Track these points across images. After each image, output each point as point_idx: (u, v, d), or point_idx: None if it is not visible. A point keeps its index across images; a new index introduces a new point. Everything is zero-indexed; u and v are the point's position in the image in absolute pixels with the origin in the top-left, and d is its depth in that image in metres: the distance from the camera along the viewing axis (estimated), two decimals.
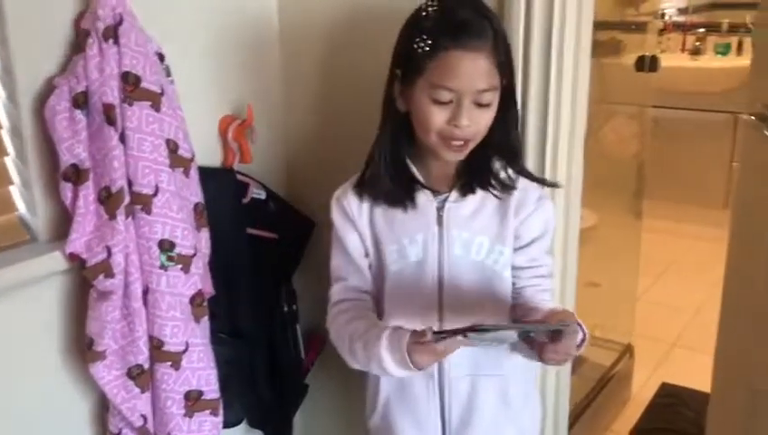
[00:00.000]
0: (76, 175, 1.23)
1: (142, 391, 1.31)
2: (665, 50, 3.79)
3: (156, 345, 1.30)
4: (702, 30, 3.88)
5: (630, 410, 2.54)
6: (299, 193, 1.73)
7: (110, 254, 1.23)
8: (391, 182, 1.21)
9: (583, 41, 1.39)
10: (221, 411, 1.41)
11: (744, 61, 3.38)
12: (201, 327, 1.36)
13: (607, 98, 2.50)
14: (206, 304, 1.37)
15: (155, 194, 1.25)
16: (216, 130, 1.55)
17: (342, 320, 1.25)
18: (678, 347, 2.97)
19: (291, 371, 1.67)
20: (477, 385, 1.25)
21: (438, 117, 1.12)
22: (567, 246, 1.48)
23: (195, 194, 1.36)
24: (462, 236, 1.20)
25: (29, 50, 1.21)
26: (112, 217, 1.23)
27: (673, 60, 3.67)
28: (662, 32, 3.77)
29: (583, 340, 1.14)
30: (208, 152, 1.52)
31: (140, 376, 1.30)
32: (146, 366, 1.30)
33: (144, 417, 1.33)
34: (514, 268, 1.23)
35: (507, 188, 1.20)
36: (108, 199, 1.23)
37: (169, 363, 1.31)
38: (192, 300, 1.33)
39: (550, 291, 1.27)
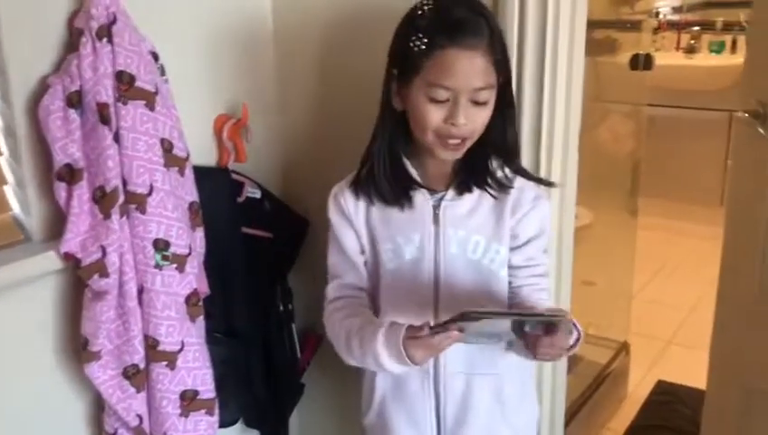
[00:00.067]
0: (70, 174, 1.22)
1: (138, 391, 1.30)
2: (659, 48, 3.80)
3: (151, 345, 1.30)
4: (696, 28, 3.89)
5: (627, 408, 2.55)
6: (294, 192, 1.73)
7: (104, 253, 1.23)
8: (388, 181, 1.21)
9: (577, 39, 1.39)
10: (217, 411, 1.41)
11: (739, 59, 3.38)
12: (196, 326, 1.36)
13: (602, 96, 2.51)
14: (201, 303, 1.37)
15: (149, 193, 1.25)
16: (211, 129, 1.55)
17: (338, 317, 1.25)
18: (674, 345, 2.98)
19: (286, 370, 1.67)
20: (472, 384, 1.25)
21: (435, 115, 1.12)
22: (562, 244, 1.49)
23: (189, 193, 1.36)
24: (458, 235, 1.20)
25: (22, 49, 1.21)
26: (107, 216, 1.22)
27: (668, 58, 3.68)
28: (657, 30, 3.78)
29: (578, 339, 1.14)
30: (203, 152, 1.52)
31: (136, 376, 1.29)
32: (141, 366, 1.30)
33: (140, 417, 1.32)
34: (511, 267, 1.23)
35: (504, 187, 1.20)
36: (102, 199, 1.22)
37: (165, 363, 1.31)
38: (187, 299, 1.33)
39: (546, 290, 1.28)
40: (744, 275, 1.55)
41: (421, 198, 1.21)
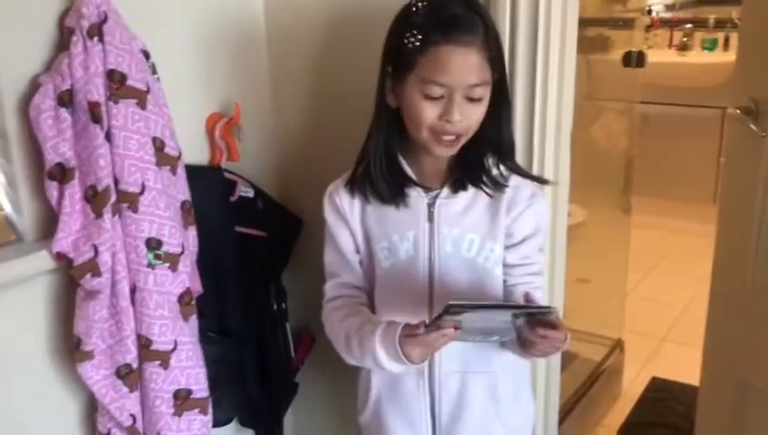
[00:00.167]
0: (62, 174, 1.22)
1: (131, 391, 1.30)
2: (652, 46, 3.82)
3: (144, 344, 1.29)
4: (689, 26, 3.91)
5: (621, 405, 2.55)
6: (287, 191, 1.73)
7: (96, 253, 1.22)
8: (384, 179, 1.21)
9: (569, 36, 1.39)
10: (210, 410, 1.41)
11: (731, 56, 3.38)
12: (189, 326, 1.36)
13: (595, 94, 2.51)
14: (194, 302, 1.37)
15: (141, 192, 1.25)
16: (204, 128, 1.55)
17: (337, 317, 1.25)
18: (668, 342, 2.99)
19: (280, 369, 1.66)
20: (467, 382, 1.25)
21: (430, 112, 1.12)
22: (555, 242, 1.49)
23: (182, 192, 1.36)
24: (453, 234, 1.20)
25: (13, 48, 1.20)
26: (99, 215, 1.22)
27: (660, 56, 3.69)
28: (649, 28, 3.79)
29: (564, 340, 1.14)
30: (196, 150, 1.52)
31: (129, 375, 1.29)
32: (134, 365, 1.29)
33: (133, 416, 1.32)
34: (506, 266, 1.23)
35: (499, 185, 1.20)
36: (94, 198, 1.22)
37: (158, 362, 1.31)
38: (180, 298, 1.32)
39: (541, 288, 1.28)
40: (736, 271, 1.55)
41: (416, 196, 1.21)
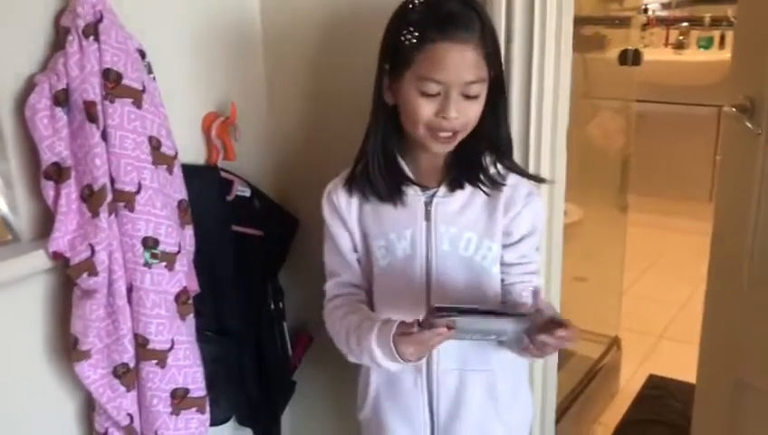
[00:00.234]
0: (58, 173, 1.22)
1: (128, 390, 1.30)
2: (648, 44, 3.82)
3: (141, 343, 1.29)
4: (685, 24, 3.91)
5: (618, 403, 2.56)
6: (284, 191, 1.73)
7: (93, 252, 1.22)
8: (381, 177, 1.21)
9: (564, 35, 1.39)
10: (208, 409, 1.41)
11: (727, 54, 3.40)
12: (187, 325, 1.35)
13: (591, 93, 2.51)
14: (191, 301, 1.37)
15: (138, 191, 1.24)
16: (200, 127, 1.54)
17: (337, 315, 1.26)
18: (665, 339, 3.00)
19: (278, 368, 1.66)
20: (465, 380, 1.25)
21: (426, 109, 1.12)
22: (552, 241, 1.49)
23: (178, 191, 1.36)
24: (450, 232, 1.20)
25: (8, 48, 1.20)
26: (95, 214, 1.22)
27: (657, 54, 3.70)
28: (645, 26, 3.80)
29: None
30: (192, 150, 1.52)
31: (126, 375, 1.29)
32: (131, 364, 1.29)
33: (130, 416, 1.32)
34: (504, 265, 1.23)
35: (496, 184, 1.20)
36: (90, 197, 1.22)
37: (155, 361, 1.31)
38: (177, 297, 1.32)
39: (538, 287, 1.27)
40: (732, 269, 1.55)
41: (413, 195, 1.21)
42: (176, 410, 1.35)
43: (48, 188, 1.23)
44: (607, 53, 2.55)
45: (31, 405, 1.33)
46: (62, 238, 1.23)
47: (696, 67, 3.78)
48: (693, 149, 3.73)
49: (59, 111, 1.20)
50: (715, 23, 3.80)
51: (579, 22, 1.45)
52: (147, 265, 1.27)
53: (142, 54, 1.29)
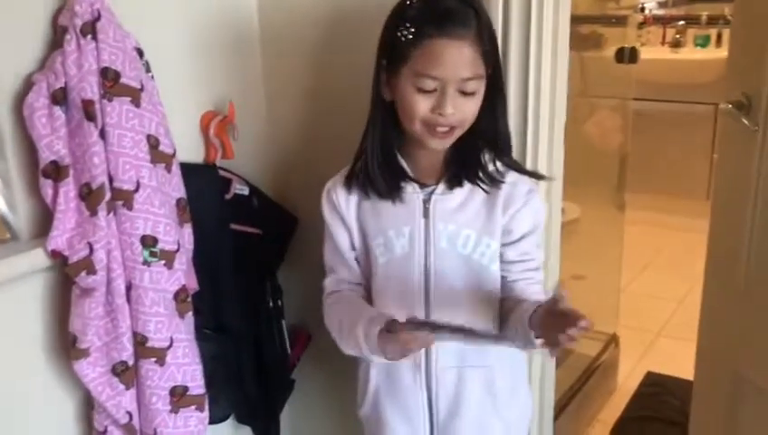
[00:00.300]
0: (56, 172, 1.22)
1: (127, 388, 1.30)
2: (645, 43, 3.83)
3: (140, 341, 1.29)
4: (681, 23, 3.92)
5: (616, 400, 2.56)
6: (283, 189, 1.73)
7: (91, 250, 1.22)
8: (380, 174, 1.21)
9: (561, 33, 1.39)
10: (207, 407, 1.41)
11: (724, 52, 3.38)
12: (185, 323, 1.36)
13: (588, 91, 2.52)
14: (190, 299, 1.37)
15: (136, 190, 1.25)
16: (198, 126, 1.55)
17: (335, 308, 1.27)
18: (663, 337, 3.00)
19: (277, 366, 1.67)
20: (464, 376, 1.25)
21: (423, 105, 1.13)
22: (549, 239, 1.49)
23: (177, 189, 1.36)
24: (448, 229, 1.21)
25: (6, 47, 1.20)
26: (93, 213, 1.22)
27: (653, 53, 3.71)
28: (642, 25, 3.80)
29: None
30: (190, 148, 1.52)
31: (125, 373, 1.29)
32: (130, 363, 1.30)
33: (129, 414, 1.32)
34: (505, 263, 1.24)
35: (495, 181, 1.20)
36: (89, 196, 1.22)
37: (154, 359, 1.31)
38: (176, 296, 1.33)
39: (540, 283, 1.28)
40: (730, 266, 1.55)
41: (411, 192, 1.21)
42: (175, 408, 1.35)
43: (46, 187, 1.23)
44: (604, 51, 2.56)
45: (30, 404, 1.33)
46: (60, 237, 1.23)
47: (693, 65, 3.79)
48: (690, 147, 3.73)
49: (57, 110, 1.20)
50: (712, 21, 3.81)
51: (575, 20, 1.45)
52: (145, 263, 1.27)
53: (140, 53, 1.29)
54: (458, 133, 1.16)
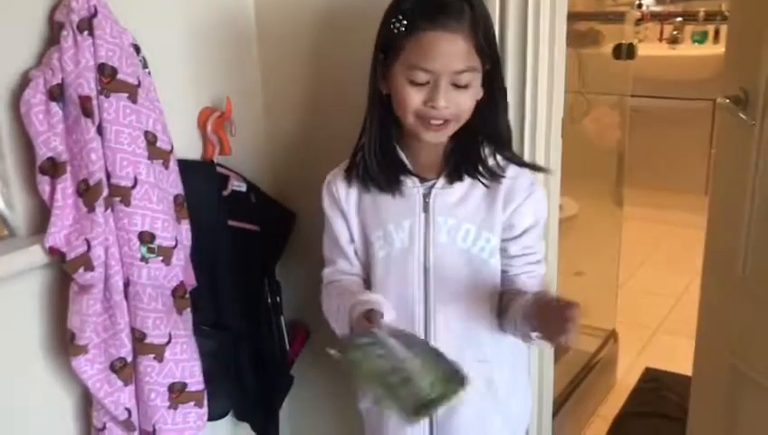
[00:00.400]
0: (53, 168, 1.22)
1: (125, 384, 1.30)
2: (643, 39, 3.82)
3: (138, 338, 1.29)
4: (679, 19, 3.92)
5: (615, 396, 2.56)
6: (280, 186, 1.73)
7: (89, 247, 1.22)
8: (379, 168, 1.21)
9: (558, 29, 1.39)
10: (205, 403, 1.41)
11: (721, 48, 3.38)
12: (184, 319, 1.36)
13: (586, 88, 2.51)
14: (188, 295, 1.37)
15: (134, 186, 1.25)
16: (196, 122, 1.54)
17: (332, 297, 1.27)
18: (662, 332, 3.00)
19: (275, 362, 1.67)
20: None
21: (415, 98, 1.13)
22: (547, 235, 1.49)
23: (174, 186, 1.36)
24: (448, 224, 1.21)
25: (2, 43, 1.20)
26: (91, 209, 1.22)
27: (651, 49, 3.71)
28: (640, 21, 3.80)
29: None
30: (188, 145, 1.51)
31: (123, 369, 1.29)
32: (129, 359, 1.30)
33: (128, 410, 1.32)
34: (508, 257, 1.24)
35: (495, 175, 1.20)
36: (86, 192, 1.22)
37: (152, 356, 1.31)
38: (174, 292, 1.33)
39: (542, 275, 1.28)
40: (728, 260, 1.56)
41: (411, 186, 1.21)
42: (174, 405, 1.35)
43: (44, 184, 1.23)
44: (601, 48, 2.56)
45: (28, 401, 1.33)
46: (58, 233, 1.23)
47: (690, 61, 3.79)
48: (688, 142, 3.74)
49: (54, 106, 1.20)
50: (709, 17, 3.82)
51: (573, 17, 1.45)
52: (143, 259, 1.27)
53: (137, 49, 1.29)
54: (454, 127, 1.16)
